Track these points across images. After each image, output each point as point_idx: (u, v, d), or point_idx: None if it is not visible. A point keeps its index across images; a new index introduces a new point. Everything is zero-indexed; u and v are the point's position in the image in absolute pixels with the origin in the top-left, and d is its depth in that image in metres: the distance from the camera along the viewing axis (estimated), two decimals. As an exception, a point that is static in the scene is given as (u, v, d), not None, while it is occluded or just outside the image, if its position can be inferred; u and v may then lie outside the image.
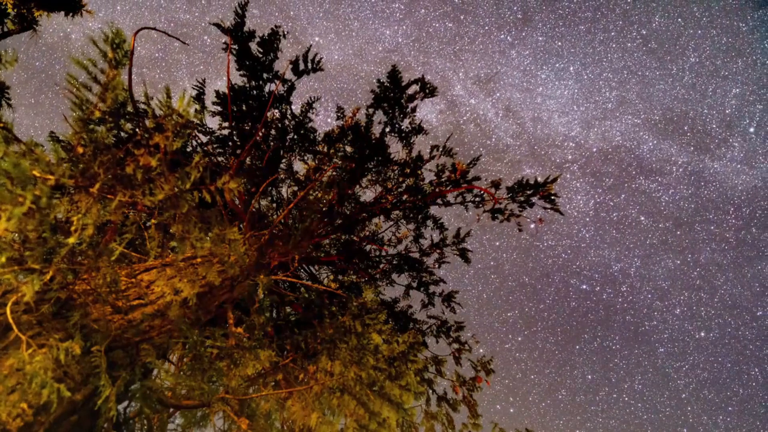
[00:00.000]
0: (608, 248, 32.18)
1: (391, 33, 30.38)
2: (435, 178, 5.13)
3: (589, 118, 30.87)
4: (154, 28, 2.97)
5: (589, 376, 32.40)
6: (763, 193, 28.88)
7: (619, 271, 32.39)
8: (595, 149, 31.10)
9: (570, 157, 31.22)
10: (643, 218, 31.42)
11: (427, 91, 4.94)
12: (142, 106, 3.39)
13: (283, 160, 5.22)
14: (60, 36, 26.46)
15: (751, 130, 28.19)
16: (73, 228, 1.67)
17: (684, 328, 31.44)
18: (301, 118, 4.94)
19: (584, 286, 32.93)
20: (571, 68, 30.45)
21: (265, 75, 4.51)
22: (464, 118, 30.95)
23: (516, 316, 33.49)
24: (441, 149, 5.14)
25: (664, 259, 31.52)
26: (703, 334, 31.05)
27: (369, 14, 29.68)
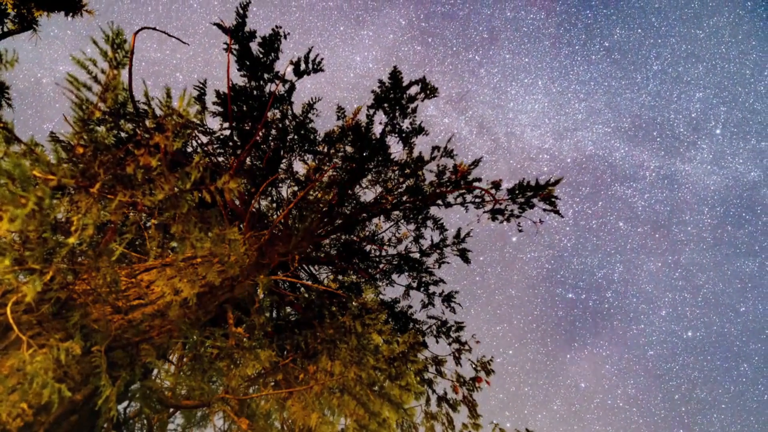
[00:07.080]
0: (590, 255, 32.50)
1: (361, 59, 30.91)
2: (435, 178, 5.13)
3: (561, 130, 31.46)
4: (155, 28, 2.98)
5: (583, 384, 32.49)
6: (735, 191, 29.32)
7: (602, 277, 32.71)
8: (569, 160, 31.58)
9: (546, 168, 31.73)
10: (621, 224, 31.76)
11: (428, 91, 4.94)
12: (143, 106, 3.39)
13: (283, 160, 5.21)
14: (31, 81, 26.36)
15: (717, 131, 28.78)
16: (73, 228, 1.67)
17: (671, 329, 31.64)
18: (301, 118, 4.94)
19: (570, 295, 33.15)
20: (540, 83, 30.97)
21: (265, 75, 4.51)
22: (439, 138, 31.52)
23: (505, 329, 33.63)
24: (442, 150, 5.14)
25: (645, 262, 31.83)
26: (690, 333, 31.27)
27: (338, 42, 30.14)
